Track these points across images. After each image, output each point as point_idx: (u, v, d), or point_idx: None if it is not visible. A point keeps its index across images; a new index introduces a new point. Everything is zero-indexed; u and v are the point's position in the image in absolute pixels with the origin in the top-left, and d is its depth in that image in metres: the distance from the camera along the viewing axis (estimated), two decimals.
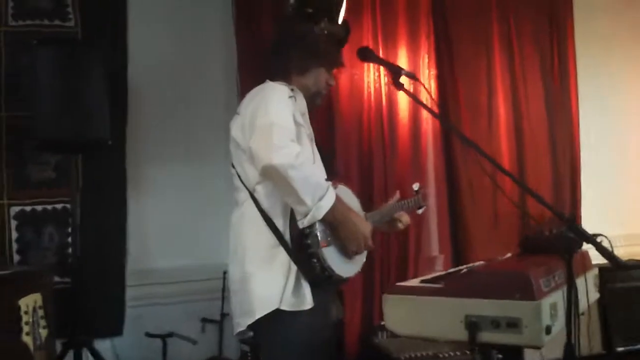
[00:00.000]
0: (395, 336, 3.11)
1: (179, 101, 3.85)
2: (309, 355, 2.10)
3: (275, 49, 2.42)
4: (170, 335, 3.33)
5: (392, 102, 4.05)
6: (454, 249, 4.19)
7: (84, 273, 3.35)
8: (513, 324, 1.68)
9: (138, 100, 3.71)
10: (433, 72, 4.20)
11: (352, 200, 2.31)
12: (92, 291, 3.46)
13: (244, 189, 2.18)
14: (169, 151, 3.83)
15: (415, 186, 2.69)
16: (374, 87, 4.01)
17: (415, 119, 4.10)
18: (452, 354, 3.11)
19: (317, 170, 2.15)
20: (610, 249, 1.93)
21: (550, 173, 4.50)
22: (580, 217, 4.52)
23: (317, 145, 2.34)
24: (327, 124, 3.88)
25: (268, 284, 2.06)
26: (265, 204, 2.12)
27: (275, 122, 2.01)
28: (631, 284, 3.98)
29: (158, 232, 3.78)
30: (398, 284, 2.04)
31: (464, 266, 2.15)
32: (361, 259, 2.30)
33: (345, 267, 2.15)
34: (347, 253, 2.17)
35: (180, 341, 3.39)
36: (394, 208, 2.54)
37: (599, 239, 1.99)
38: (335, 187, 2.13)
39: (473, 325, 1.73)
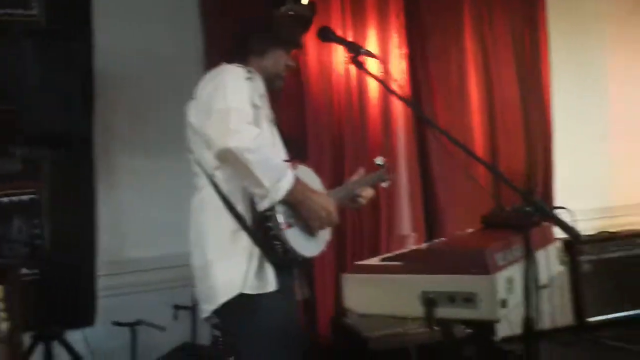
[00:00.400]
0: (366, 315, 3.14)
1: (149, 90, 3.81)
2: (275, 337, 2.09)
3: (233, 30, 2.41)
4: (139, 323, 3.30)
5: (362, 83, 4.03)
6: (427, 227, 4.20)
7: (53, 264, 3.31)
8: (469, 299, 1.69)
9: (106, 90, 3.64)
10: (403, 51, 4.18)
11: (313, 180, 2.28)
12: (62, 282, 3.41)
13: (203, 174, 2.15)
14: (139, 141, 3.80)
15: (379, 160, 2.66)
16: (344, 68, 3.98)
17: (385, 99, 4.08)
18: (420, 330, 3.12)
19: (275, 153, 2.12)
20: (571, 221, 1.94)
21: (523, 151, 4.52)
22: (553, 193, 4.55)
23: (277, 127, 2.32)
24: (297, 106, 3.87)
25: (230, 269, 2.04)
26: (225, 189, 2.10)
27: (231, 106, 1.99)
28: (604, 256, 4.02)
29: (129, 222, 3.76)
30: (357, 263, 2.04)
31: (424, 244, 2.15)
32: (325, 237, 2.28)
33: (309, 247, 2.14)
34: (312, 231, 2.16)
35: (153, 329, 3.37)
36: (357, 183, 2.51)
37: (560, 212, 1.99)
38: (295, 168, 2.12)
39: (430, 301, 1.73)
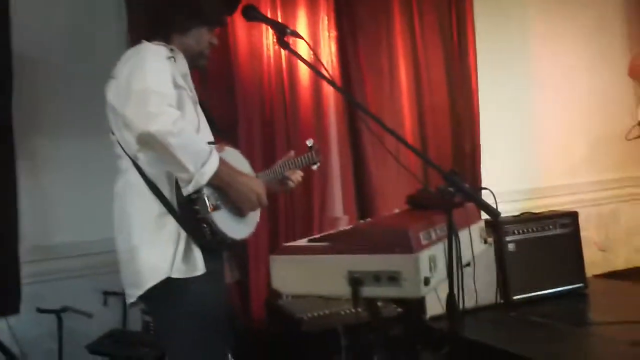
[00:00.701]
0: (299, 297, 3.17)
1: (70, 72, 3.69)
2: (204, 321, 2.07)
3: (156, 6, 2.29)
4: (64, 310, 3.23)
5: (292, 65, 4.03)
6: (359, 209, 4.25)
7: None
8: (393, 278, 1.72)
9: (25, 71, 3.51)
10: (333, 33, 4.20)
11: (241, 162, 2.25)
12: None
13: (126, 156, 2.08)
14: (62, 124, 3.68)
15: (309, 142, 2.63)
16: (274, 49, 3.96)
17: (316, 81, 4.09)
18: (353, 310, 3.16)
19: (197, 136, 2.05)
20: (494, 202, 2.00)
21: (449, 134, 4.62)
22: (480, 175, 4.68)
23: (203, 107, 2.26)
24: (227, 88, 3.82)
25: (157, 253, 2.00)
26: (149, 172, 2.04)
27: (151, 87, 1.91)
28: (527, 236, 4.15)
29: (56, 207, 3.67)
30: (285, 244, 2.04)
31: (350, 225, 2.18)
32: (254, 219, 2.26)
33: (238, 229, 2.11)
34: (241, 214, 2.14)
35: (81, 316, 3.30)
36: (286, 165, 2.50)
37: (483, 193, 2.05)
38: (221, 150, 2.07)
39: (355, 280, 1.76)
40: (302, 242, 2.04)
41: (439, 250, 1.86)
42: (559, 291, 4.11)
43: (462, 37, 4.68)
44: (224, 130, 3.44)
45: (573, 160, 5.33)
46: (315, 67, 2.17)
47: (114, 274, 3.48)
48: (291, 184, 2.50)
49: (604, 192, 5.45)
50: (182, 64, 2.17)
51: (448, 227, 1.86)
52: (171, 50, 2.13)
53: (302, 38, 2.22)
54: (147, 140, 1.88)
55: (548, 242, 4.19)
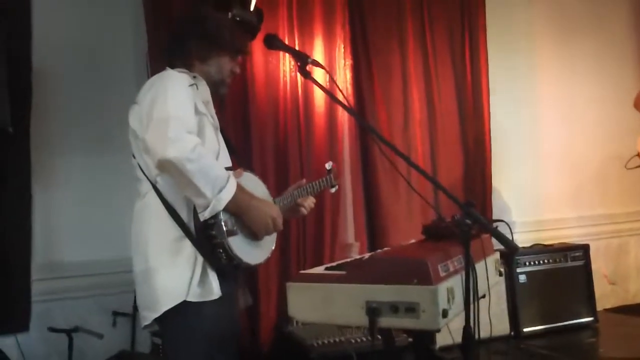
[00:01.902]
0: (309, 324, 3.16)
1: (89, 87, 3.73)
2: (214, 343, 2.08)
3: (177, 34, 2.32)
4: (76, 330, 3.22)
5: (308, 92, 4.06)
6: (370, 236, 4.25)
7: None
8: (411, 309, 1.71)
9: (44, 84, 3.57)
10: (348, 62, 4.24)
11: (258, 187, 2.26)
12: None
13: (146, 180, 2.10)
14: (78, 139, 3.71)
15: (328, 165, 2.64)
16: (290, 76, 4.00)
17: (331, 108, 4.13)
18: (363, 338, 3.16)
19: (216, 162, 2.06)
20: (509, 234, 2.00)
21: (461, 164, 4.64)
22: (490, 205, 4.68)
23: (223, 134, 2.28)
24: (242, 113, 3.86)
25: (174, 276, 2.01)
26: (168, 196, 2.06)
27: (171, 114, 1.94)
28: (538, 268, 4.14)
29: (67, 224, 3.67)
30: (302, 272, 2.05)
31: (367, 254, 2.18)
32: (270, 244, 2.26)
33: (253, 254, 2.12)
34: (256, 239, 2.14)
35: (90, 336, 3.29)
36: (304, 190, 2.49)
37: (498, 225, 2.06)
38: (239, 176, 2.10)
39: (373, 310, 1.75)
40: (319, 269, 2.04)
41: (456, 282, 1.85)
42: (570, 324, 4.09)
43: (475, 69, 4.72)
44: (242, 156, 3.49)
45: (583, 192, 5.31)
46: (335, 96, 2.19)
47: (123, 295, 3.56)
48: (304, 210, 2.49)
49: (614, 225, 5.43)
50: (204, 91, 2.20)
51: (465, 259, 1.86)
52: (194, 77, 2.16)
53: (323, 67, 2.24)
54: (166, 166, 1.92)
55: (559, 274, 4.19)
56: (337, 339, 3.18)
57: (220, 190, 1.94)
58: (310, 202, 2.51)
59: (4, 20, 3.31)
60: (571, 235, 4.93)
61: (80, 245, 3.66)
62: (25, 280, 3.46)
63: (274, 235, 2.26)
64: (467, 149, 4.66)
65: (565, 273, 4.23)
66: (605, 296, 5.01)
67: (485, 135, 4.72)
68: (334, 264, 2.09)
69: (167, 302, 2.01)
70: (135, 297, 3.45)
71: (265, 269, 3.73)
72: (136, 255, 2.12)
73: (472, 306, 1.86)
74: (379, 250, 2.24)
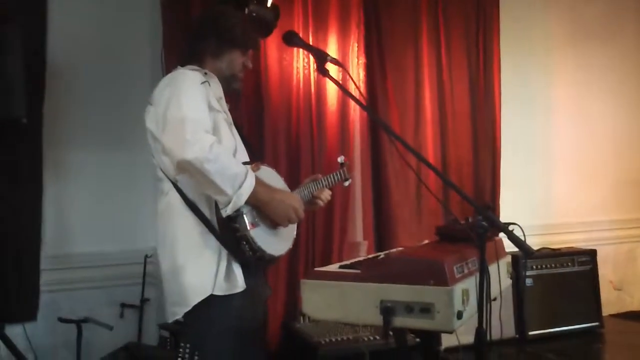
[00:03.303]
0: (316, 321, 3.16)
1: (103, 81, 3.73)
2: (240, 335, 2.11)
3: (191, 34, 2.37)
4: (85, 320, 3.23)
5: (320, 89, 4.06)
6: (378, 235, 4.25)
7: None
8: (426, 309, 1.72)
9: (58, 78, 3.57)
10: (362, 60, 4.24)
11: (276, 180, 2.29)
12: (5, 276, 3.32)
13: (167, 179, 2.15)
14: (90, 133, 3.71)
15: (340, 159, 2.64)
16: (304, 73, 4.01)
17: (343, 106, 4.13)
18: (371, 337, 3.16)
19: (233, 158, 2.09)
20: (522, 237, 2.00)
21: (471, 166, 4.63)
22: (498, 207, 4.68)
23: (237, 128, 2.29)
24: (255, 110, 3.86)
25: (200, 272, 2.06)
26: (189, 193, 2.10)
27: (187, 114, 1.97)
28: (545, 271, 4.15)
29: (78, 216, 3.68)
30: (316, 269, 2.05)
31: (382, 253, 2.18)
32: (292, 235, 2.31)
33: (276, 246, 2.16)
34: (278, 229, 2.18)
35: (97, 327, 3.29)
36: (318, 184, 2.51)
37: (511, 228, 2.06)
38: (257, 169, 2.13)
39: (388, 310, 1.76)
40: (333, 267, 2.05)
41: (471, 284, 1.86)
42: (575, 329, 4.09)
43: (488, 71, 4.71)
44: (258, 150, 3.50)
45: (592, 198, 5.31)
46: (352, 95, 2.20)
47: (131, 287, 3.58)
48: (320, 202, 2.52)
49: (621, 232, 5.42)
50: (217, 88, 2.22)
51: (481, 262, 1.86)
52: (205, 74, 2.19)
53: (341, 66, 2.24)
54: (186, 167, 1.95)
55: (565, 278, 4.19)
56: (345, 337, 3.18)
57: (240, 186, 1.97)
58: (326, 194, 2.54)
59: (21, 14, 3.33)
60: (579, 239, 4.92)
61: (90, 236, 3.68)
62: (34, 271, 3.47)
63: (294, 226, 2.30)
64: (478, 150, 4.65)
65: (572, 277, 4.23)
66: (611, 302, 5.00)
67: (496, 137, 4.72)
68: (347, 262, 2.09)
69: (195, 296, 2.05)
70: (143, 289, 3.53)
71: (273, 266, 3.72)
72: (163, 254, 2.17)
73: (484, 308, 1.87)
74: (393, 250, 2.24)
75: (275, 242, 2.16)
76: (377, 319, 1.78)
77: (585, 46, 5.37)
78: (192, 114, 1.98)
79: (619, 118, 5.46)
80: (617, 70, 5.49)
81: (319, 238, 3.99)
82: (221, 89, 2.25)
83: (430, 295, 1.72)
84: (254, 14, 3.16)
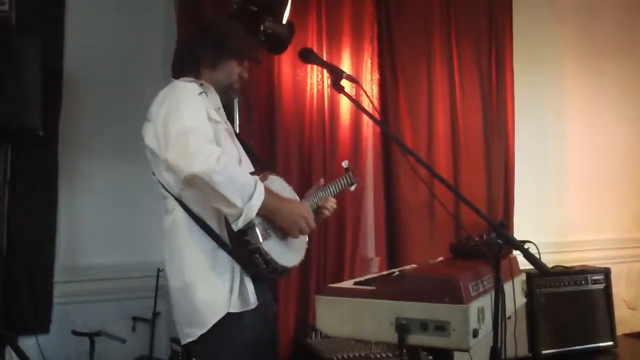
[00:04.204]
0: (328, 336, 3.15)
1: (117, 93, 3.76)
2: (255, 350, 2.07)
3: (185, 45, 2.34)
4: (98, 334, 3.24)
5: (334, 105, 4.08)
6: (389, 251, 4.24)
7: (9, 268, 3.23)
8: (441, 327, 1.71)
9: (74, 90, 3.61)
10: (375, 76, 4.27)
11: (285, 189, 2.25)
12: (18, 287, 3.34)
13: (170, 196, 2.09)
14: (104, 144, 3.73)
15: (345, 163, 2.61)
16: (317, 89, 4.03)
17: (356, 122, 4.14)
18: (383, 355, 3.14)
19: (241, 169, 2.06)
20: (537, 255, 1.99)
21: (484, 182, 4.62)
22: (512, 225, 4.65)
23: (240, 139, 2.27)
24: (269, 124, 3.88)
25: (213, 290, 2.00)
26: (195, 208, 2.05)
27: (188, 127, 1.92)
28: (558, 290, 4.11)
29: (90, 227, 3.69)
30: (331, 285, 2.05)
31: (396, 269, 2.18)
32: (303, 245, 2.27)
33: (288, 257, 2.12)
34: (290, 240, 2.14)
35: (109, 340, 3.30)
36: (326, 191, 2.47)
37: (527, 246, 2.05)
38: (265, 179, 2.09)
39: (403, 327, 1.76)
40: (348, 283, 2.05)
41: (486, 302, 1.85)
42: (589, 348, 4.05)
43: (501, 87, 4.72)
44: (264, 160, 3.49)
45: (605, 215, 5.27)
46: (368, 111, 2.20)
47: (144, 300, 3.59)
48: (327, 212, 2.46)
49: (635, 250, 5.38)
50: (214, 98, 2.19)
51: (496, 280, 1.86)
52: (201, 85, 2.15)
53: (357, 83, 2.25)
54: (193, 181, 1.89)
55: (579, 297, 4.16)
56: (357, 354, 3.16)
57: (250, 198, 1.92)
58: (332, 203, 2.47)
59: (39, 25, 3.37)
60: (593, 257, 4.89)
61: (103, 249, 3.69)
62: (47, 282, 3.48)
63: (306, 237, 2.25)
64: (490, 166, 4.64)
65: (585, 296, 4.19)
66: (624, 321, 4.95)
67: (509, 153, 4.72)
68: (362, 278, 2.09)
69: (212, 316, 1.99)
70: (155, 302, 3.53)
71: (285, 280, 3.72)
72: (171, 273, 2.10)
73: (500, 327, 1.86)
74: (407, 267, 2.24)
75: (288, 254, 2.12)
76: (391, 337, 1.78)
77: (598, 62, 5.37)
78: (193, 126, 1.93)
79: (633, 135, 5.44)
80: (631, 86, 5.49)
81: (331, 253, 3.98)
82: (219, 100, 2.22)
83: (445, 313, 1.71)
84: (270, 31, 3.18)
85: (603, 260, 4.83)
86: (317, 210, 2.43)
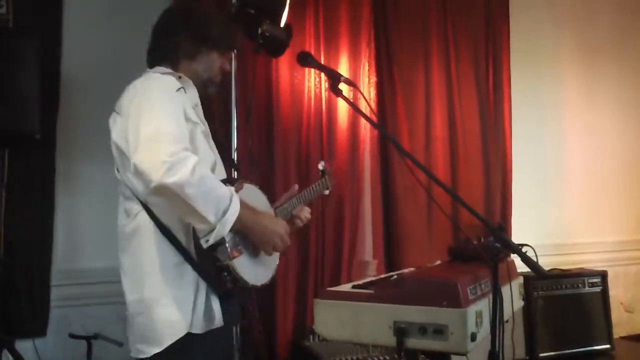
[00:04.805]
0: (325, 339, 3.15)
1: (115, 97, 3.71)
2: None
3: (162, 29, 2.14)
4: (95, 337, 3.22)
5: (331, 108, 4.08)
6: (387, 254, 4.24)
7: (6, 270, 3.22)
8: (439, 331, 1.72)
9: (71, 94, 3.61)
10: (373, 79, 4.27)
11: (258, 199, 2.11)
12: (15, 290, 3.33)
13: (136, 199, 1.91)
14: (102, 148, 3.68)
15: (321, 165, 2.50)
16: (315, 92, 4.03)
17: (353, 125, 4.14)
18: (382, 358, 3.15)
19: (216, 181, 1.84)
20: (534, 259, 2.00)
21: (481, 185, 4.62)
22: (510, 228, 4.66)
23: (216, 138, 2.12)
24: (266, 127, 3.88)
25: (175, 307, 1.84)
26: (162, 217, 1.88)
27: (162, 131, 1.73)
28: (556, 292, 4.12)
29: (88, 230, 3.68)
30: (329, 289, 2.05)
31: (395, 273, 2.18)
32: (274, 262, 2.13)
33: (258, 274, 1.99)
34: (261, 256, 2.01)
35: (106, 343, 3.28)
36: (300, 199, 2.34)
37: (524, 249, 2.06)
38: (240, 189, 1.93)
39: (401, 331, 1.76)
40: (347, 287, 2.05)
41: (484, 306, 1.86)
42: (586, 351, 4.06)
43: (498, 89, 4.72)
44: (254, 160, 3.46)
45: (602, 218, 5.29)
46: (366, 115, 2.21)
47: None
48: (299, 222, 2.31)
49: (632, 253, 5.39)
50: (193, 94, 2.03)
51: (494, 283, 1.86)
52: (179, 78, 1.98)
53: (355, 87, 2.25)
54: (162, 192, 1.71)
55: (576, 300, 4.16)
56: (355, 357, 3.17)
57: (225, 213, 1.77)
58: (306, 213, 2.33)
59: (38, 32, 3.37)
60: (589, 260, 4.90)
61: (101, 252, 3.67)
62: (44, 285, 3.48)
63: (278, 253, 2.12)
64: (488, 169, 4.65)
65: (582, 299, 4.20)
66: (621, 324, 4.96)
67: (506, 155, 4.72)
68: (360, 282, 2.10)
69: (169, 335, 1.84)
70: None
71: (283, 284, 3.74)
72: (130, 284, 1.94)
73: (498, 330, 1.86)
74: (405, 270, 2.25)
75: (258, 270, 1.99)
76: (390, 340, 1.79)
77: (596, 64, 5.39)
78: (167, 130, 1.75)
79: (631, 138, 5.46)
80: (629, 89, 5.51)
81: (329, 256, 3.98)
82: (197, 95, 2.05)
83: (444, 317, 1.72)
84: (268, 34, 3.18)
85: (600, 262, 4.84)
86: (291, 219, 2.27)
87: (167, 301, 1.84)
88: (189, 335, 1.85)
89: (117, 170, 2.01)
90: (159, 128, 1.74)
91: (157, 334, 1.84)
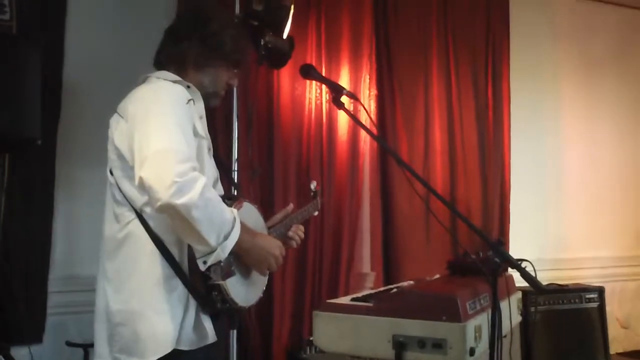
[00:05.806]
0: (323, 351, 3.14)
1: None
2: None
3: (174, 32, 2.07)
4: (92, 345, 3.20)
5: (332, 120, 4.10)
6: (385, 266, 4.24)
7: (3, 277, 3.21)
8: (438, 345, 1.73)
9: (73, 99, 3.61)
10: (373, 92, 4.30)
11: (255, 218, 2.08)
12: (13, 296, 3.32)
13: (129, 206, 1.84)
14: (102, 154, 3.69)
15: (313, 185, 2.47)
16: (315, 103, 4.05)
17: (354, 138, 4.16)
18: None
19: (222, 204, 1.79)
20: (533, 273, 2.00)
21: (480, 199, 4.64)
22: (508, 242, 4.66)
23: (215, 154, 2.08)
24: (267, 138, 3.90)
25: (163, 321, 1.77)
26: (157, 228, 1.81)
27: (172, 148, 1.69)
28: (553, 307, 4.12)
29: (87, 237, 3.64)
30: (329, 301, 2.06)
31: (394, 286, 2.18)
32: (263, 282, 2.09)
33: (247, 295, 1.96)
34: (252, 277, 1.98)
35: None
36: (296, 219, 2.30)
37: (523, 265, 2.06)
38: (239, 208, 1.91)
39: (400, 344, 1.77)
40: (346, 299, 2.05)
41: (483, 321, 1.86)
42: None
43: (497, 103, 4.76)
44: (257, 168, 3.46)
45: (600, 234, 5.30)
46: (367, 128, 2.22)
47: None
48: (294, 243, 2.25)
49: (629, 269, 5.40)
50: (200, 106, 1.99)
51: (493, 298, 1.86)
52: (188, 87, 1.93)
53: (357, 99, 2.26)
54: (167, 211, 1.67)
55: (573, 315, 4.15)
56: None
57: (226, 237, 1.74)
58: (300, 233, 2.27)
59: (40, 37, 3.38)
60: (587, 275, 4.90)
61: (98, 259, 3.66)
62: (42, 292, 3.46)
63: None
64: (487, 182, 4.67)
65: (579, 314, 4.19)
66: (618, 340, 4.96)
67: (505, 169, 4.75)
68: (359, 294, 2.10)
69: (155, 350, 1.76)
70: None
71: (280, 295, 3.74)
72: (115, 292, 1.85)
73: (496, 346, 1.86)
74: (405, 283, 2.25)
75: (248, 291, 1.96)
76: (389, 353, 1.79)
77: (594, 79, 5.43)
78: (178, 147, 1.70)
79: (629, 152, 5.48)
80: (627, 104, 5.54)
81: (326, 268, 3.98)
82: (203, 107, 2.00)
83: (443, 331, 1.72)
84: (270, 45, 3.20)
85: (597, 278, 4.84)
86: (285, 240, 2.22)
87: (155, 314, 1.78)
88: (175, 351, 1.78)
89: (111, 172, 1.95)
90: (170, 145, 1.70)
91: (139, 346, 1.78)
